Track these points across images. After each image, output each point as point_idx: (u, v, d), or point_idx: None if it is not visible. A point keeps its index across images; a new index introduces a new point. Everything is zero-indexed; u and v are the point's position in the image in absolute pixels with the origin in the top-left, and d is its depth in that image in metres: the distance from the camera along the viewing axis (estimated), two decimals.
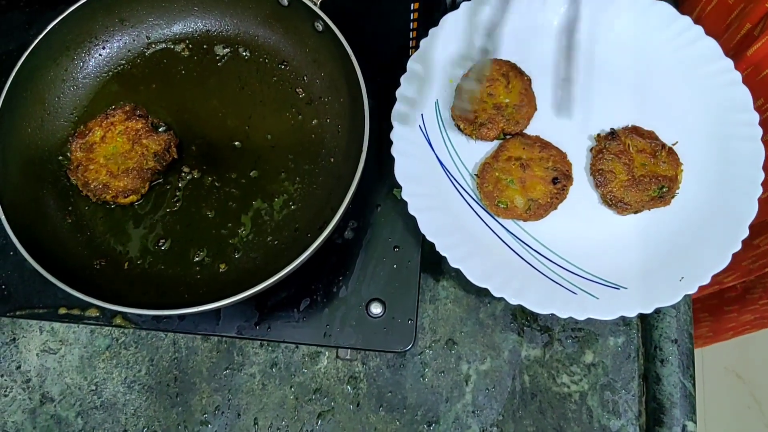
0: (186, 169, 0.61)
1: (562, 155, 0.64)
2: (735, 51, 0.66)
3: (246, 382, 0.64)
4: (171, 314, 0.51)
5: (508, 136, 0.65)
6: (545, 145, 0.64)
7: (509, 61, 0.67)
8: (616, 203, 0.62)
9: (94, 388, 0.65)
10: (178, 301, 0.56)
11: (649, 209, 0.62)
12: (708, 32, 0.66)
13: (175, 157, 0.61)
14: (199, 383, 0.64)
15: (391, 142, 0.63)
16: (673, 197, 0.62)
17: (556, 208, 0.62)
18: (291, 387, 0.64)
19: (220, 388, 0.64)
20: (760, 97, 0.64)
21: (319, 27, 0.59)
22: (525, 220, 0.62)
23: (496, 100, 0.65)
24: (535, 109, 0.66)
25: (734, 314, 0.81)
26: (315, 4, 0.59)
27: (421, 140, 0.65)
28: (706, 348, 0.97)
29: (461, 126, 0.65)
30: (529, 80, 0.66)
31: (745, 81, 0.64)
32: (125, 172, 0.59)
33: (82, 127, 0.61)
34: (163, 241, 0.59)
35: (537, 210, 0.61)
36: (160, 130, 0.61)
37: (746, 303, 0.78)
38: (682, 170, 0.63)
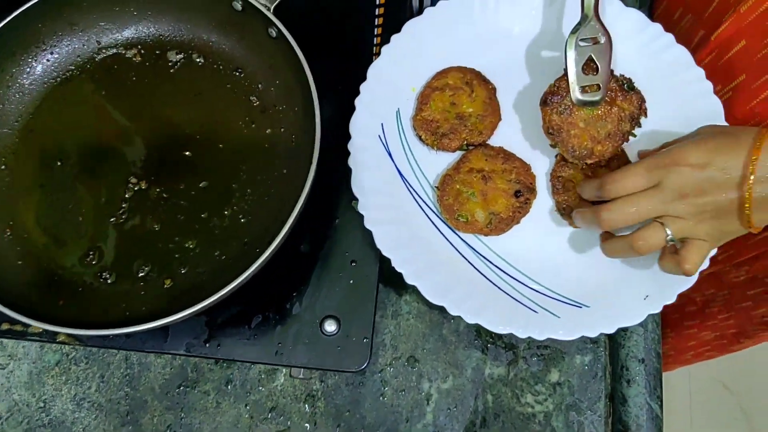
0: (133, 180, 0.59)
1: (526, 167, 0.61)
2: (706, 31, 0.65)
3: (200, 400, 0.62)
4: (110, 333, 0.49)
5: (471, 147, 0.62)
6: (508, 157, 0.61)
7: (473, 69, 0.65)
8: (570, 214, 0.59)
9: (42, 405, 0.62)
10: (120, 318, 0.53)
11: None
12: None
13: (645, 116, 0.59)
14: (151, 401, 0.62)
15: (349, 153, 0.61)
16: None
17: (518, 222, 0.60)
18: (246, 405, 0.62)
19: (172, 407, 0.62)
20: (718, 83, 0.63)
21: (273, 33, 0.57)
22: (486, 235, 0.60)
23: (459, 109, 0.62)
24: (500, 119, 0.63)
25: (694, 330, 0.79)
26: (269, 10, 0.57)
27: (380, 150, 0.62)
28: None
29: (423, 136, 0.63)
30: (494, 89, 0.64)
31: (707, 66, 0.63)
32: (607, 137, 0.57)
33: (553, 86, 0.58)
34: (105, 255, 0.57)
35: (498, 224, 0.59)
36: (625, 87, 0.59)
37: (706, 318, 0.77)
38: None
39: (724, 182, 0.48)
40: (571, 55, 0.57)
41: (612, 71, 0.58)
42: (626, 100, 0.59)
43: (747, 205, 0.48)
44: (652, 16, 0.76)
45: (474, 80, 0.64)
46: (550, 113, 0.58)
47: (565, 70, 0.57)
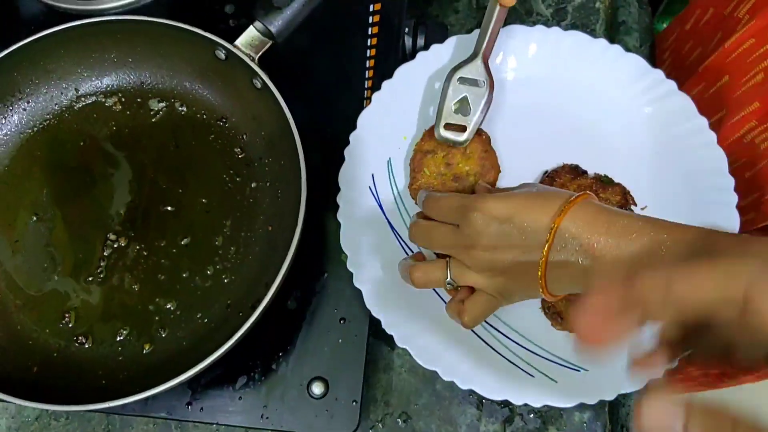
0: (112, 237, 0.56)
1: None
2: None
3: None
4: (84, 410, 0.46)
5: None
6: None
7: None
8: (552, 315, 0.57)
9: None
10: (97, 386, 0.51)
11: None
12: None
13: (635, 205, 0.59)
14: None
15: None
16: None
17: None
18: None
19: None
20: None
21: (258, 84, 0.55)
22: None
23: (455, 170, 0.60)
24: (499, 171, 0.61)
25: (681, 363, 0.77)
26: (253, 60, 0.55)
27: (371, 203, 0.60)
28: None
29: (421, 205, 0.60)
30: (488, 138, 0.61)
31: (695, 97, 0.61)
32: None
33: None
34: (81, 317, 0.54)
35: None
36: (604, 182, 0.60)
37: (691, 354, 0.75)
38: None
39: (519, 243, 0.46)
40: (447, 89, 0.58)
41: (596, 174, 0.59)
42: (609, 192, 0.58)
43: (540, 272, 0.45)
44: (654, 56, 0.74)
45: None
46: None
47: (439, 103, 0.58)
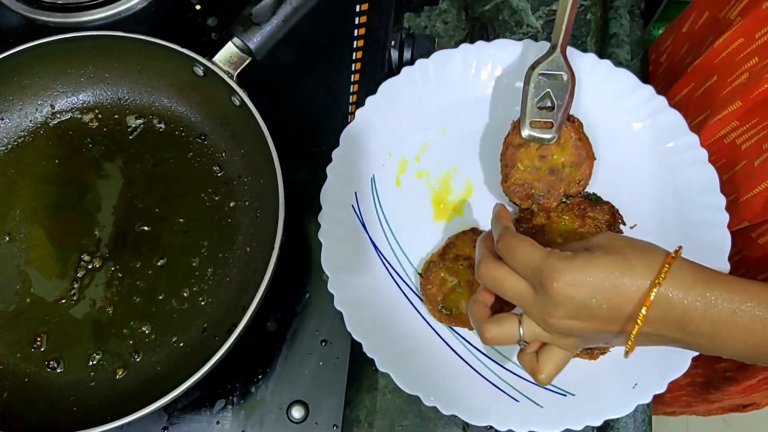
0: (86, 258, 0.55)
1: None
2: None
3: None
4: None
5: (570, 198, 0.58)
6: None
7: None
8: None
9: None
10: (68, 412, 0.50)
11: None
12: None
13: (623, 224, 0.57)
14: None
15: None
16: None
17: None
18: None
19: None
20: (689, 116, 0.61)
21: (236, 102, 0.54)
22: (470, 330, 0.56)
23: (550, 163, 0.57)
24: (594, 159, 0.58)
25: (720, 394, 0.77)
26: (231, 77, 0.53)
27: (354, 222, 0.59)
28: None
29: (517, 203, 0.57)
30: (580, 124, 0.58)
31: (684, 98, 0.61)
32: None
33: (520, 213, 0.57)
34: (54, 341, 0.53)
35: None
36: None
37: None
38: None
39: (602, 314, 0.43)
40: (528, 87, 0.55)
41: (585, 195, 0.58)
42: (597, 211, 0.57)
43: (629, 346, 0.43)
44: (646, 68, 0.73)
45: None
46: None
47: (522, 102, 0.55)
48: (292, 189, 0.55)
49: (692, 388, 0.81)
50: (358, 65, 0.66)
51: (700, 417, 1.56)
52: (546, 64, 0.55)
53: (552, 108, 0.55)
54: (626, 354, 0.44)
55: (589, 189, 0.59)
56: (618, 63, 0.70)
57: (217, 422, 0.55)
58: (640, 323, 0.41)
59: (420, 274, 0.57)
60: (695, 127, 0.61)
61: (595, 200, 0.58)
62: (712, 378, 0.76)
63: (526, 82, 0.55)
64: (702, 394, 0.81)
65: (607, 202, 0.58)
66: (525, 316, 0.46)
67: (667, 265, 0.41)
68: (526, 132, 0.54)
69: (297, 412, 0.55)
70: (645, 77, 0.74)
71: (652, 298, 0.41)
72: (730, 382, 0.74)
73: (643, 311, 0.41)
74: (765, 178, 0.54)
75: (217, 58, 0.54)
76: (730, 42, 0.57)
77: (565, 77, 0.55)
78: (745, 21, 0.55)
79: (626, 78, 0.62)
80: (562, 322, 0.43)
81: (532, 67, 0.55)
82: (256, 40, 0.53)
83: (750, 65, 0.55)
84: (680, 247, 0.43)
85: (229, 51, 0.54)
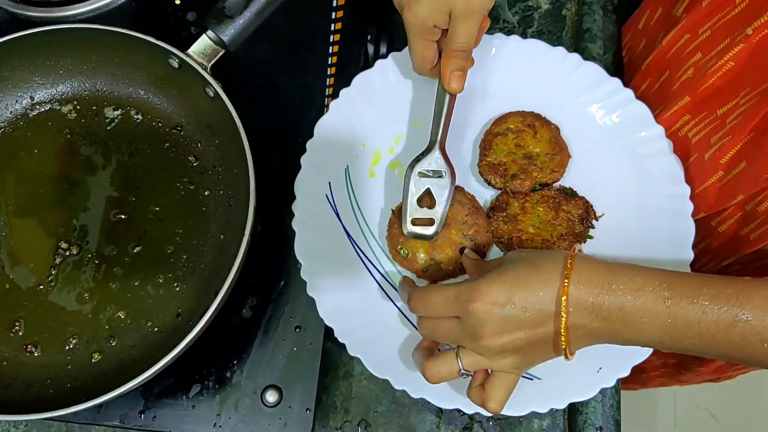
0: (63, 245, 0.56)
1: (488, 228, 0.59)
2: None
3: None
4: (30, 419, 0.46)
5: (543, 187, 0.60)
6: (476, 210, 0.59)
7: (533, 112, 0.62)
8: None
9: None
10: (44, 396, 0.51)
11: None
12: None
13: (596, 219, 0.59)
14: None
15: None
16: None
17: (456, 278, 0.57)
18: None
19: None
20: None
21: (210, 93, 0.55)
22: (419, 278, 0.57)
23: (525, 150, 0.60)
24: (569, 157, 0.61)
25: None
26: (205, 69, 0.55)
27: (327, 212, 0.60)
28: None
29: (491, 180, 0.60)
30: (557, 128, 0.61)
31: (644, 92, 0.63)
32: (560, 238, 0.57)
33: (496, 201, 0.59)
34: (31, 326, 0.54)
35: (436, 273, 0.57)
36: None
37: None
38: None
39: (526, 321, 0.45)
40: (408, 186, 0.56)
41: (562, 186, 0.60)
42: (571, 204, 0.58)
43: (564, 342, 0.45)
44: (619, 63, 0.74)
45: (536, 122, 0.61)
46: (497, 224, 0.58)
47: (403, 199, 0.56)
48: (269, 180, 0.57)
49: (665, 369, 0.83)
50: (335, 59, 0.67)
51: (688, 412, 1.58)
52: (425, 161, 0.56)
53: (433, 205, 0.56)
54: (567, 357, 0.46)
55: (563, 182, 0.61)
56: (591, 57, 0.71)
57: (193, 406, 0.57)
58: (564, 314, 0.44)
59: (392, 211, 0.59)
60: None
61: (570, 194, 0.60)
62: (683, 359, 0.78)
63: (406, 181, 0.56)
64: (675, 375, 0.82)
65: (582, 197, 0.59)
66: (461, 348, 0.48)
67: (570, 258, 0.45)
68: (407, 229, 0.55)
69: (271, 396, 0.57)
70: (618, 71, 0.75)
71: (566, 285, 0.44)
72: (699, 362, 0.75)
73: (564, 300, 0.44)
74: (715, 170, 0.55)
75: (191, 50, 0.56)
76: (677, 38, 0.58)
77: (445, 174, 0.56)
78: (690, 17, 0.56)
79: (594, 71, 0.63)
80: (493, 341, 0.45)
81: (411, 166, 0.57)
82: (229, 32, 0.55)
83: (695, 60, 0.56)
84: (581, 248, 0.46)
85: (203, 43, 0.56)
